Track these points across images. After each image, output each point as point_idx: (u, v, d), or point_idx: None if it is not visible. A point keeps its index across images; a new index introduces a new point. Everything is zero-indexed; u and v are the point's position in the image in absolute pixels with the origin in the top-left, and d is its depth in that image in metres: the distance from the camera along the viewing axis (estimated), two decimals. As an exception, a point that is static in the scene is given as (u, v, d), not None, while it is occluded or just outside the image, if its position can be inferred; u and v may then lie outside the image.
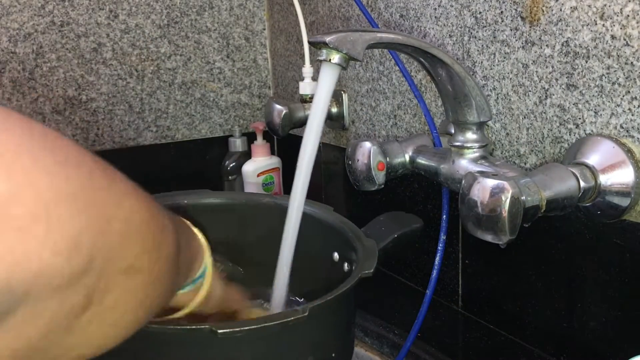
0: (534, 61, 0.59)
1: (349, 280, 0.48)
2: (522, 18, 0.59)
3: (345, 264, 0.58)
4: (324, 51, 0.47)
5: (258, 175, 1.00)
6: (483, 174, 0.49)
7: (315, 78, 0.88)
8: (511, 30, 0.61)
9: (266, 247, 0.55)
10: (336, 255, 0.59)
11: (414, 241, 0.62)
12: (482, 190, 0.47)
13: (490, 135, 0.65)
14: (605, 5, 0.52)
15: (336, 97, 0.90)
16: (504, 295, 0.67)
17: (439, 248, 0.61)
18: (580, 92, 0.55)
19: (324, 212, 0.62)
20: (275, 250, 0.54)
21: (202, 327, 0.41)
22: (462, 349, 0.68)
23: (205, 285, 0.45)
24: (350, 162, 0.64)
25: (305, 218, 0.53)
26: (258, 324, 0.43)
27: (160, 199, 0.44)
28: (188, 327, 0.43)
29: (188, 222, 0.44)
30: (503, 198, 0.46)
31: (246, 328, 0.42)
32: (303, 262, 0.54)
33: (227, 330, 0.41)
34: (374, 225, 0.61)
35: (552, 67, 0.57)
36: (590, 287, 0.57)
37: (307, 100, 0.87)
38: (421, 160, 0.63)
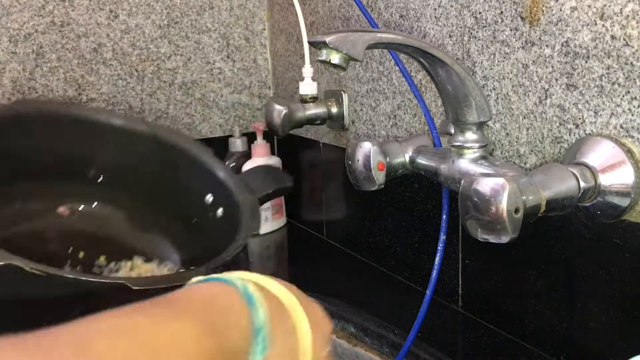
0: (534, 61, 0.59)
1: (239, 237, 0.53)
2: (522, 18, 0.59)
3: (220, 210, 0.60)
4: (324, 51, 0.47)
5: (258, 175, 1.00)
6: (483, 174, 0.49)
7: (315, 78, 0.88)
8: (511, 30, 0.61)
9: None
10: (209, 198, 0.61)
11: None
12: (481, 190, 0.47)
13: (490, 135, 0.65)
14: (605, 5, 0.52)
15: (336, 97, 0.90)
16: (504, 295, 0.67)
17: (439, 248, 0.61)
18: (580, 92, 0.55)
19: (203, 153, 0.65)
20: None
21: (118, 281, 0.47)
22: (462, 348, 0.68)
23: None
24: (350, 163, 0.64)
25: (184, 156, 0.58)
26: (169, 282, 0.48)
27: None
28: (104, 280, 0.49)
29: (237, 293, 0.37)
30: (503, 198, 0.46)
31: (161, 286, 0.48)
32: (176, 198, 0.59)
33: (141, 287, 0.47)
34: (251, 176, 0.65)
35: (552, 67, 0.57)
36: (590, 287, 0.57)
37: (307, 100, 0.87)
38: (421, 161, 0.63)
